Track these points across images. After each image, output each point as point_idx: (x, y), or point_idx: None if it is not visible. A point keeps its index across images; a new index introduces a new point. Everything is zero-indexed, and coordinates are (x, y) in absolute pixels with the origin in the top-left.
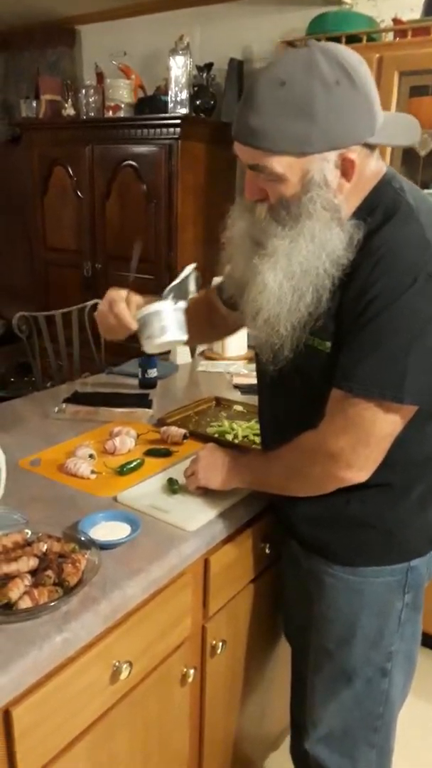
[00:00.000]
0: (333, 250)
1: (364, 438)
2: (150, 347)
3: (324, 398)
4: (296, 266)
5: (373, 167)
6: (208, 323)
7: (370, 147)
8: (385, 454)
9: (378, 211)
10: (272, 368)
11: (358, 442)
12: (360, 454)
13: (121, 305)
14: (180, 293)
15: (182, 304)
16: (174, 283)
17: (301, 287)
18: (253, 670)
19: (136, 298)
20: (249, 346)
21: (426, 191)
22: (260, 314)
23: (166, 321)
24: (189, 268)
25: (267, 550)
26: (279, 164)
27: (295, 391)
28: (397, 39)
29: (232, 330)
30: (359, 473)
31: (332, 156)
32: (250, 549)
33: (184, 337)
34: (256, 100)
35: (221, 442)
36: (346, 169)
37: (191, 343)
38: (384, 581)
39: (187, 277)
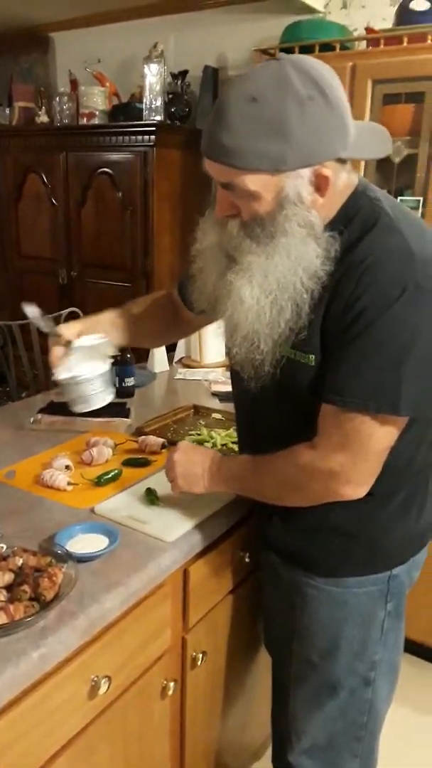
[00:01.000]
0: (309, 264)
1: (363, 453)
2: (74, 409)
3: (306, 411)
4: (273, 282)
5: (345, 179)
6: (170, 324)
7: (343, 160)
8: (380, 468)
9: (356, 221)
10: (254, 385)
11: (358, 458)
12: (360, 470)
13: (54, 353)
14: (96, 355)
15: (106, 366)
16: (84, 344)
17: (280, 302)
18: (234, 680)
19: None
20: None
21: (400, 198)
22: (238, 330)
23: (88, 391)
24: (99, 337)
25: (246, 559)
26: (252, 182)
27: (276, 405)
28: (370, 48)
29: (195, 329)
30: (359, 488)
31: (306, 173)
32: (229, 559)
33: (109, 399)
34: (227, 117)
35: None
36: (320, 184)
37: (152, 345)
38: (367, 591)
39: (100, 344)
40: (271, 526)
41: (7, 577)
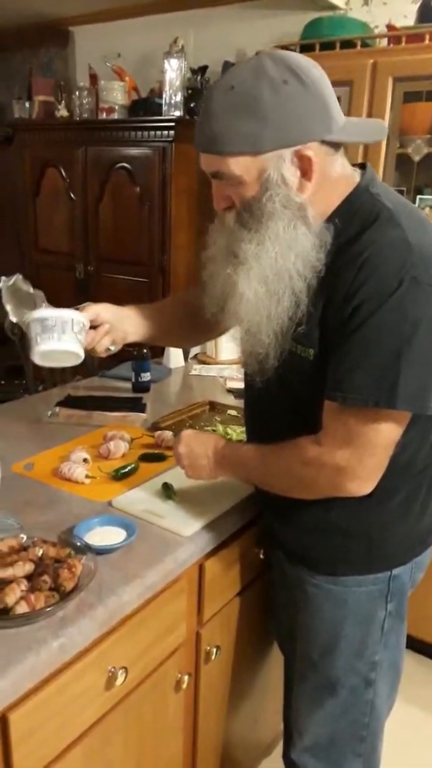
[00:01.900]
0: (302, 250)
1: (370, 448)
2: (35, 357)
3: (306, 405)
4: (267, 269)
5: (341, 170)
6: (190, 325)
7: (333, 146)
8: (385, 463)
9: (357, 217)
10: (259, 379)
11: (365, 453)
12: (366, 465)
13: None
14: (25, 300)
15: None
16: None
17: (277, 291)
18: (246, 676)
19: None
20: None
21: (419, 196)
22: (242, 326)
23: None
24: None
25: (261, 556)
26: (236, 165)
27: (279, 399)
28: (392, 45)
29: (219, 333)
30: (366, 484)
31: (287, 153)
32: (243, 554)
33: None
34: (210, 109)
35: None
36: (305, 167)
37: (177, 342)
38: (367, 590)
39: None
40: (276, 524)
41: (28, 567)
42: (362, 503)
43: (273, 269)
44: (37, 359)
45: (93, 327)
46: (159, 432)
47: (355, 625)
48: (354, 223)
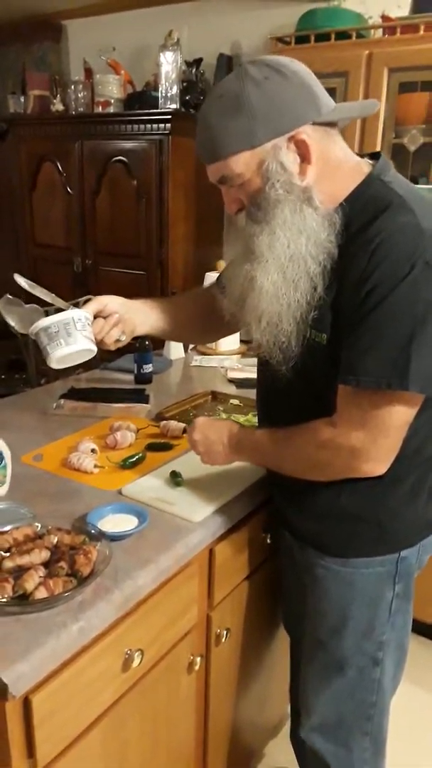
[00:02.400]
0: (312, 232)
1: (384, 429)
2: (51, 365)
3: (320, 390)
4: (282, 257)
5: (342, 152)
6: (209, 321)
7: (327, 126)
8: (399, 444)
9: (369, 204)
10: (285, 369)
11: (379, 434)
12: (381, 446)
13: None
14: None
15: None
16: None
17: (294, 277)
18: (254, 658)
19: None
20: (242, 341)
21: (416, 186)
22: (262, 318)
23: (62, 332)
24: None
25: (268, 540)
26: (236, 164)
27: (293, 385)
28: (386, 36)
29: (231, 332)
30: (380, 465)
31: (282, 141)
32: (252, 539)
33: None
34: (205, 121)
35: None
36: (302, 151)
37: (191, 337)
38: (374, 572)
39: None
40: (288, 509)
41: (44, 555)
42: (373, 488)
43: (287, 256)
44: (54, 365)
45: (101, 317)
46: (164, 422)
47: (363, 606)
48: (366, 210)
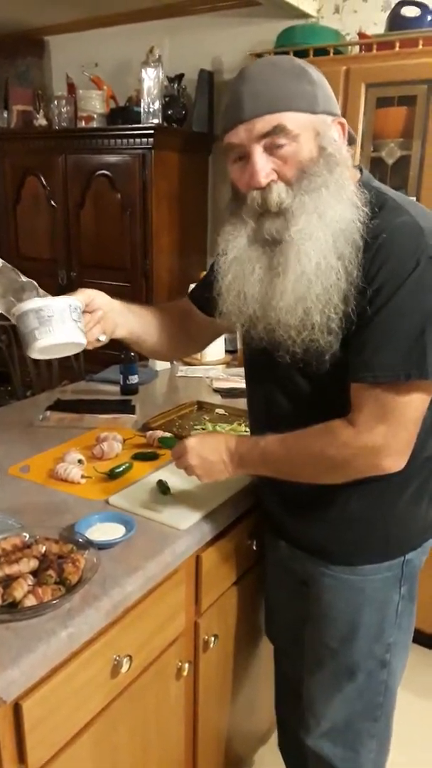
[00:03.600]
0: (352, 203)
1: (404, 422)
2: (33, 353)
3: (326, 390)
4: (333, 227)
5: (346, 152)
6: (183, 333)
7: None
8: (415, 437)
9: (365, 205)
10: (296, 349)
11: (399, 427)
12: (401, 439)
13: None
14: (12, 289)
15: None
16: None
17: (340, 249)
18: (243, 664)
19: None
20: (228, 351)
21: None
22: (299, 303)
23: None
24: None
25: (254, 547)
26: (295, 122)
27: (301, 390)
28: (363, 52)
29: (210, 340)
30: (401, 459)
31: (330, 120)
32: (238, 546)
33: (73, 336)
34: (258, 78)
35: None
36: (342, 132)
37: (168, 356)
38: (382, 577)
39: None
40: (290, 520)
41: (33, 564)
42: (381, 492)
43: (338, 227)
44: (36, 354)
45: (87, 311)
46: (150, 432)
47: (372, 611)
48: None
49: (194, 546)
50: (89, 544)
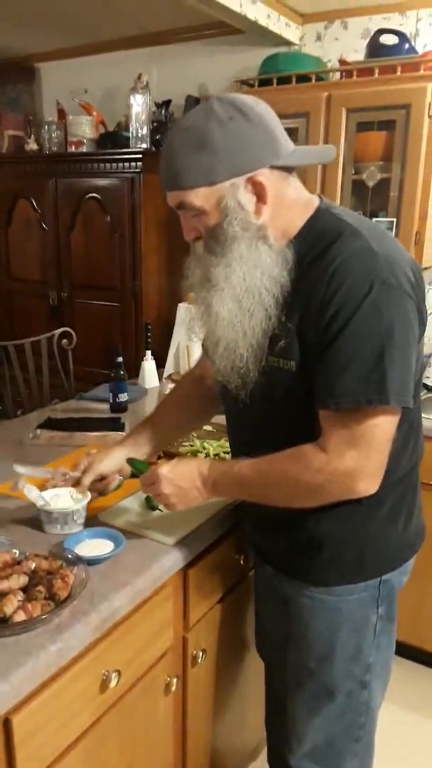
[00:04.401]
0: (266, 267)
1: (373, 445)
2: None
3: (292, 415)
4: (238, 288)
5: (296, 192)
6: (206, 400)
7: (285, 171)
8: (386, 459)
9: (322, 235)
10: (243, 394)
11: (369, 451)
12: (373, 462)
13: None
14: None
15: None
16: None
17: (249, 307)
18: (231, 679)
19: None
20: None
21: (375, 219)
22: (219, 343)
23: (59, 518)
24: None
25: (242, 562)
26: (196, 197)
27: (265, 413)
28: (344, 78)
29: None
30: (374, 481)
31: (240, 181)
32: (225, 561)
33: (74, 530)
34: (170, 150)
35: None
36: (259, 192)
37: (205, 423)
38: (359, 597)
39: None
40: (265, 542)
41: (23, 580)
42: (352, 514)
43: (242, 287)
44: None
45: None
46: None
47: (349, 631)
48: (320, 241)
49: (182, 561)
50: (78, 559)
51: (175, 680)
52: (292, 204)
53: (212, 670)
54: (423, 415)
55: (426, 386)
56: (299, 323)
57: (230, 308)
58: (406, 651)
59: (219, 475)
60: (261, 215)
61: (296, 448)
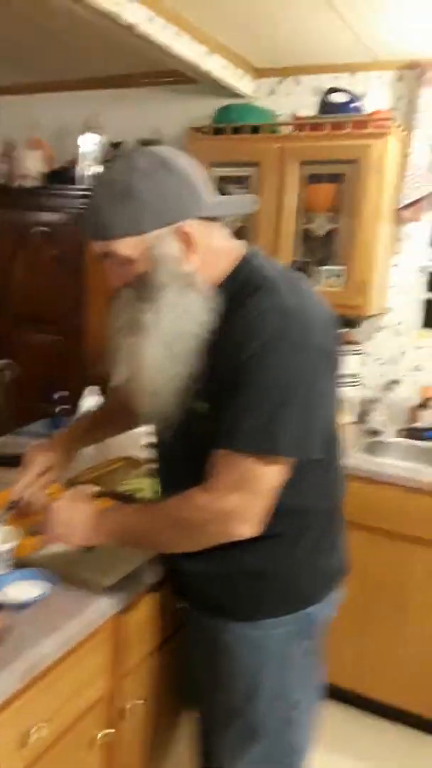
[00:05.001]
0: (195, 313)
1: (257, 491)
2: None
3: (206, 456)
4: (167, 334)
5: (223, 240)
6: (124, 414)
7: (210, 220)
8: (271, 506)
9: (243, 286)
10: (167, 436)
11: (252, 497)
12: (254, 508)
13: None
14: None
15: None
16: None
17: (176, 353)
18: (166, 733)
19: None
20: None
21: (325, 267)
22: (145, 388)
23: None
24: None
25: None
26: (124, 248)
27: (183, 453)
28: (296, 132)
29: None
30: (253, 527)
31: (167, 231)
32: (164, 606)
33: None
34: (94, 202)
35: (131, 500)
36: (186, 241)
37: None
38: (283, 631)
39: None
40: (187, 577)
41: None
42: (275, 546)
43: (171, 333)
44: None
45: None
46: (78, 486)
47: (274, 667)
48: (241, 291)
49: (118, 605)
50: (2, 605)
51: (103, 734)
52: (219, 252)
53: (145, 722)
54: (368, 458)
55: (371, 430)
56: (214, 368)
57: (158, 353)
58: (349, 698)
59: (110, 514)
60: (189, 263)
61: (187, 490)
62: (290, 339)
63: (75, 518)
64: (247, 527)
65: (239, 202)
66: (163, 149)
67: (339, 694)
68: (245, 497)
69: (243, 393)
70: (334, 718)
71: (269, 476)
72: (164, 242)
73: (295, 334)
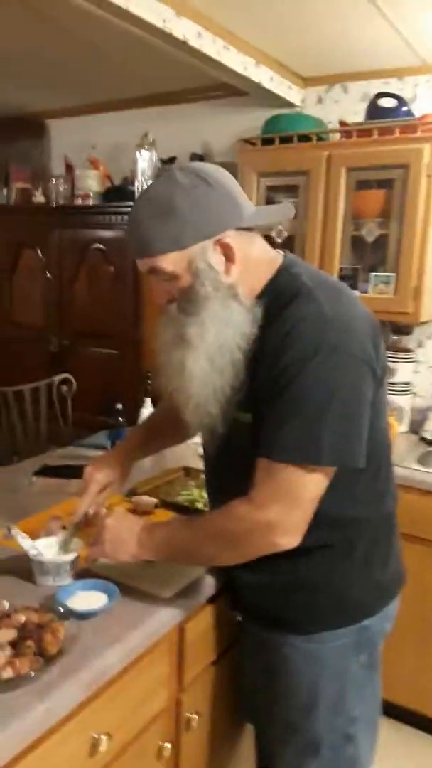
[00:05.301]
0: (238, 324)
1: (298, 502)
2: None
3: (252, 467)
4: (211, 346)
5: (262, 251)
6: (175, 428)
7: (249, 231)
8: (312, 516)
9: (281, 294)
10: (214, 446)
11: (292, 507)
12: (294, 519)
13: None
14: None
15: (72, 555)
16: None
17: (221, 364)
18: (228, 744)
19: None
20: None
21: (374, 274)
22: (191, 401)
23: (49, 570)
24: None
25: (239, 618)
26: (167, 262)
27: (229, 464)
28: (344, 139)
29: None
30: (294, 538)
31: (208, 244)
32: (222, 617)
33: (64, 582)
34: (136, 220)
35: (189, 510)
36: (227, 253)
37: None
38: (339, 644)
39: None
40: (237, 588)
41: (11, 634)
42: (325, 558)
43: (216, 345)
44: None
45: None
46: (136, 497)
47: (331, 680)
48: (279, 300)
49: (178, 616)
50: (70, 613)
51: (168, 745)
52: (259, 262)
53: (206, 735)
54: (422, 468)
55: (425, 440)
56: (255, 377)
57: (203, 366)
58: (406, 716)
59: (156, 528)
60: (231, 275)
61: (230, 501)
62: (328, 346)
63: (122, 536)
64: (288, 538)
65: (277, 211)
66: (202, 164)
67: (395, 712)
68: (285, 507)
69: (281, 402)
70: (390, 737)
71: (309, 486)
72: (206, 255)
73: (334, 341)
